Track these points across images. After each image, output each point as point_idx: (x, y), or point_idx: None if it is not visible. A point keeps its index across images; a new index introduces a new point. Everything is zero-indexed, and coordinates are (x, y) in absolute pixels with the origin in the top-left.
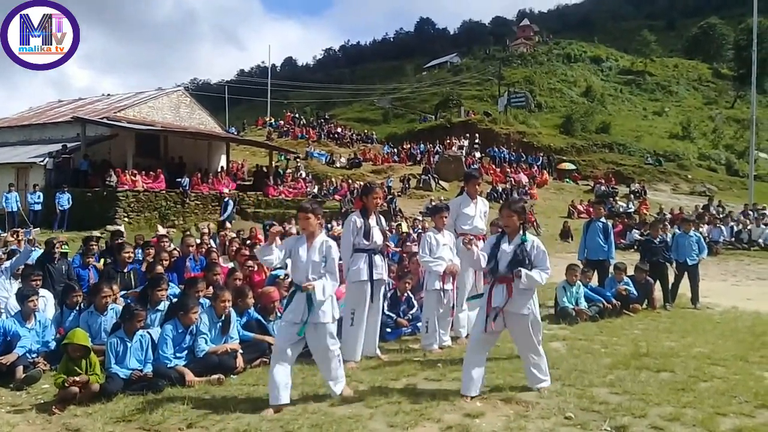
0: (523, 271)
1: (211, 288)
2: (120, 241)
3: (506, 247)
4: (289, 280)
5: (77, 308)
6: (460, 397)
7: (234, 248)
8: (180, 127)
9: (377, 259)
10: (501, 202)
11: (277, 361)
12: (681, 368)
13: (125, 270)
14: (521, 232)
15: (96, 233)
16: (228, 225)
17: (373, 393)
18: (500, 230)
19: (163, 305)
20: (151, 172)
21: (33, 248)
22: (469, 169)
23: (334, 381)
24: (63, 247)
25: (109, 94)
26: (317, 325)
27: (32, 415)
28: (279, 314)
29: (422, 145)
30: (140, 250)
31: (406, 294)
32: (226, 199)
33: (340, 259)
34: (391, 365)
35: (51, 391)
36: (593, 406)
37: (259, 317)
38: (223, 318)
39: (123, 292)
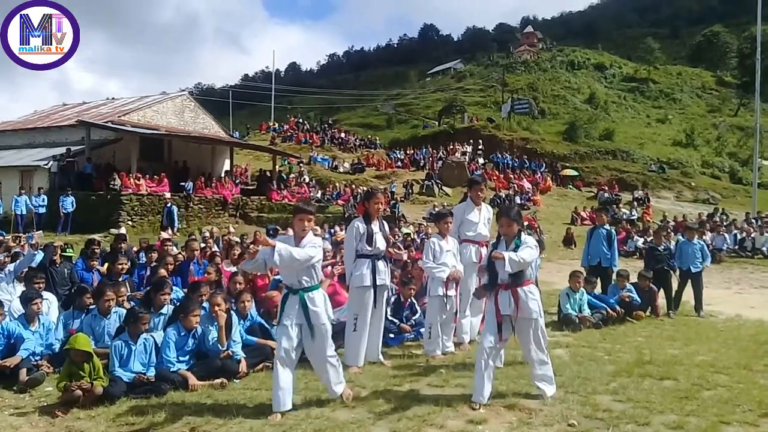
0: (505, 254)
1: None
2: (121, 246)
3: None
4: None
5: (86, 310)
6: (465, 404)
7: (237, 252)
8: (184, 132)
9: (380, 264)
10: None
11: (279, 366)
12: (684, 376)
13: (120, 280)
14: (518, 237)
15: (98, 236)
16: (168, 233)
17: (376, 398)
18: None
19: (167, 309)
20: (155, 176)
21: (36, 252)
22: (473, 174)
23: (334, 384)
24: (67, 250)
25: (113, 98)
26: (314, 327)
27: (35, 417)
28: None
29: (424, 150)
30: (143, 254)
31: (409, 300)
32: (168, 205)
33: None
34: (394, 371)
35: (54, 393)
36: (596, 414)
37: (262, 321)
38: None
39: (128, 294)
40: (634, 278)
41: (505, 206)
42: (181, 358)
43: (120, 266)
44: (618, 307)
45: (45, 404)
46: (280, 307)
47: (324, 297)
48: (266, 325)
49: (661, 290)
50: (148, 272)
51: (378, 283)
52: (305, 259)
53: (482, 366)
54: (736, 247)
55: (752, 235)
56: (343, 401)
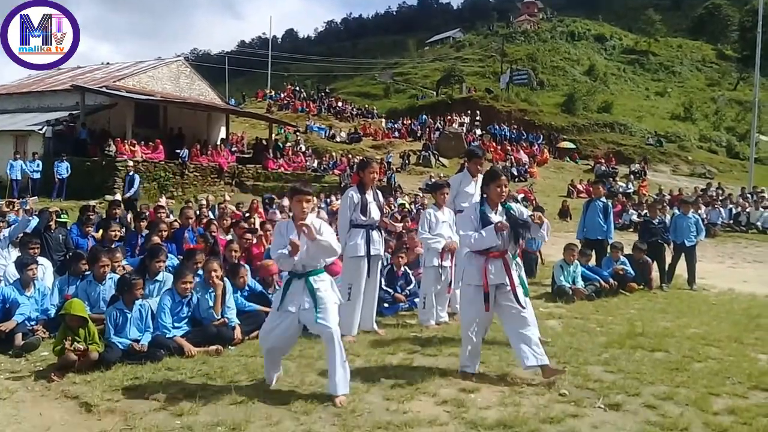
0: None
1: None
2: (115, 212)
3: (495, 218)
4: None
5: (81, 276)
6: (458, 373)
7: (228, 221)
8: (180, 98)
9: (374, 234)
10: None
11: (272, 347)
12: (675, 348)
13: (112, 247)
14: (505, 201)
15: (93, 203)
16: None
17: (370, 367)
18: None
19: (162, 276)
20: (150, 143)
21: (30, 217)
22: (472, 146)
23: (332, 376)
24: (62, 216)
25: (108, 63)
26: (322, 307)
27: (31, 381)
28: (278, 287)
29: (423, 116)
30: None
31: (403, 269)
32: (131, 173)
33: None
34: (388, 340)
35: (50, 358)
36: (587, 384)
37: (262, 290)
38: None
39: (126, 261)
40: (628, 251)
41: (496, 167)
42: (176, 325)
43: (113, 233)
44: (611, 280)
45: (41, 369)
46: (282, 292)
47: (330, 280)
48: (265, 292)
49: (655, 263)
50: (141, 240)
51: (372, 253)
52: (328, 246)
53: (469, 340)
54: (731, 221)
55: (747, 210)
56: (333, 404)
